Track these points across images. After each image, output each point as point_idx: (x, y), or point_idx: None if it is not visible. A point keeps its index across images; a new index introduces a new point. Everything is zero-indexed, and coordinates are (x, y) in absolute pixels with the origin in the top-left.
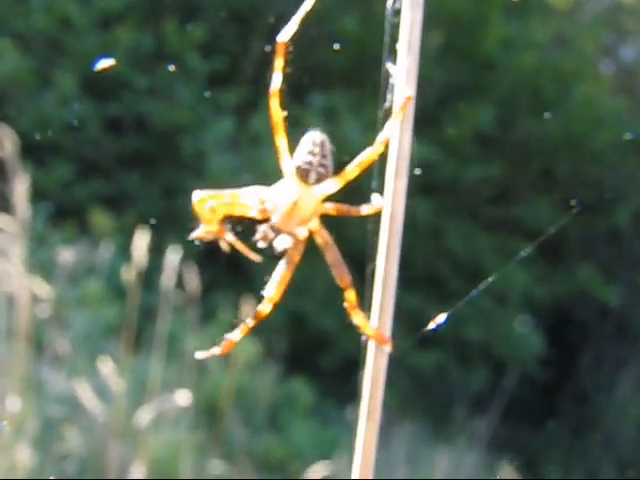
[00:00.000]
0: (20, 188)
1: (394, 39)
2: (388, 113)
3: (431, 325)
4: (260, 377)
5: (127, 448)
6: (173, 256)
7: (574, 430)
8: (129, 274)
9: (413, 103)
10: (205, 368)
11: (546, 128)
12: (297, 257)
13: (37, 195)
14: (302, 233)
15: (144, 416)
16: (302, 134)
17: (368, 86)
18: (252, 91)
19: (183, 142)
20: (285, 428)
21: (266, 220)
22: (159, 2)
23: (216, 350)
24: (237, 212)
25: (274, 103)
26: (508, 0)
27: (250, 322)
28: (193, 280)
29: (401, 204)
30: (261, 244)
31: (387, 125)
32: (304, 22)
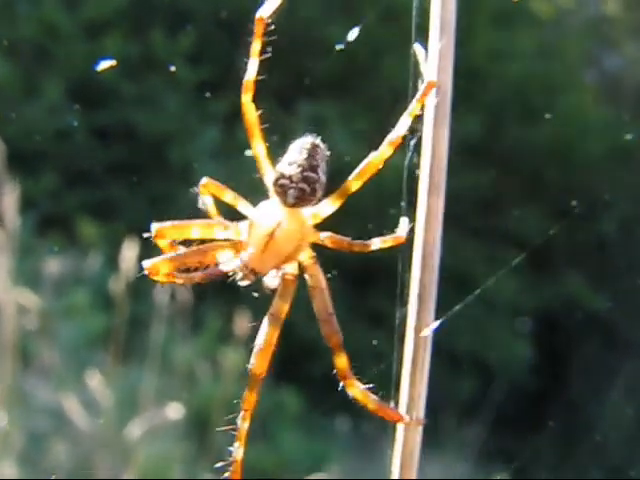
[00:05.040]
0: (7, 197)
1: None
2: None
3: (425, 331)
4: None
5: (116, 461)
6: None
7: (564, 437)
8: (117, 284)
9: (449, 95)
10: (195, 378)
11: (533, 137)
12: (284, 307)
13: (24, 204)
14: (290, 270)
15: (134, 429)
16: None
17: (357, 96)
18: (240, 100)
19: (171, 151)
20: (274, 437)
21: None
22: (147, 10)
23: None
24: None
25: (247, 99)
26: (495, 10)
27: (241, 441)
28: (184, 290)
29: (437, 230)
30: (244, 284)
31: (401, 121)
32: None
